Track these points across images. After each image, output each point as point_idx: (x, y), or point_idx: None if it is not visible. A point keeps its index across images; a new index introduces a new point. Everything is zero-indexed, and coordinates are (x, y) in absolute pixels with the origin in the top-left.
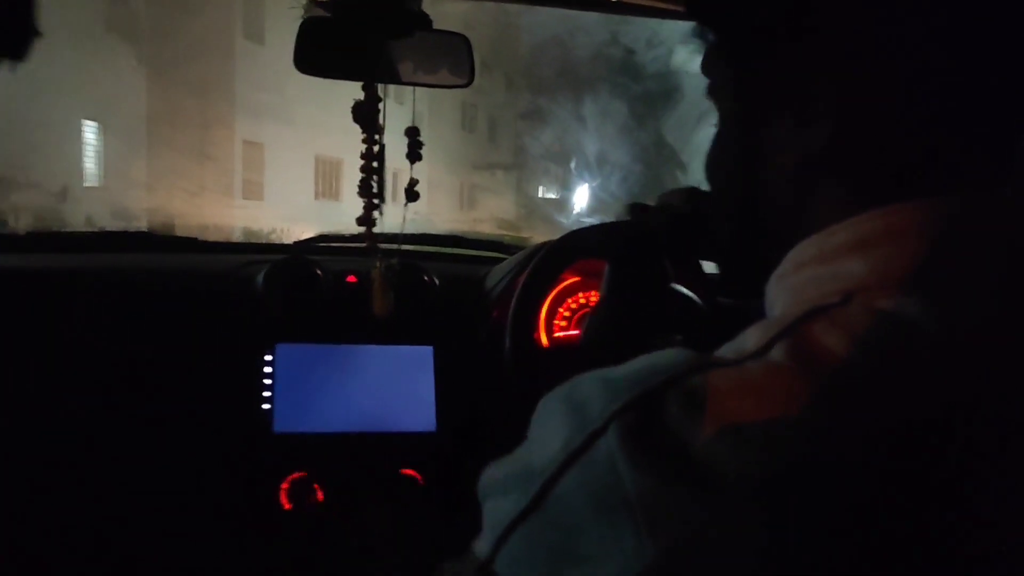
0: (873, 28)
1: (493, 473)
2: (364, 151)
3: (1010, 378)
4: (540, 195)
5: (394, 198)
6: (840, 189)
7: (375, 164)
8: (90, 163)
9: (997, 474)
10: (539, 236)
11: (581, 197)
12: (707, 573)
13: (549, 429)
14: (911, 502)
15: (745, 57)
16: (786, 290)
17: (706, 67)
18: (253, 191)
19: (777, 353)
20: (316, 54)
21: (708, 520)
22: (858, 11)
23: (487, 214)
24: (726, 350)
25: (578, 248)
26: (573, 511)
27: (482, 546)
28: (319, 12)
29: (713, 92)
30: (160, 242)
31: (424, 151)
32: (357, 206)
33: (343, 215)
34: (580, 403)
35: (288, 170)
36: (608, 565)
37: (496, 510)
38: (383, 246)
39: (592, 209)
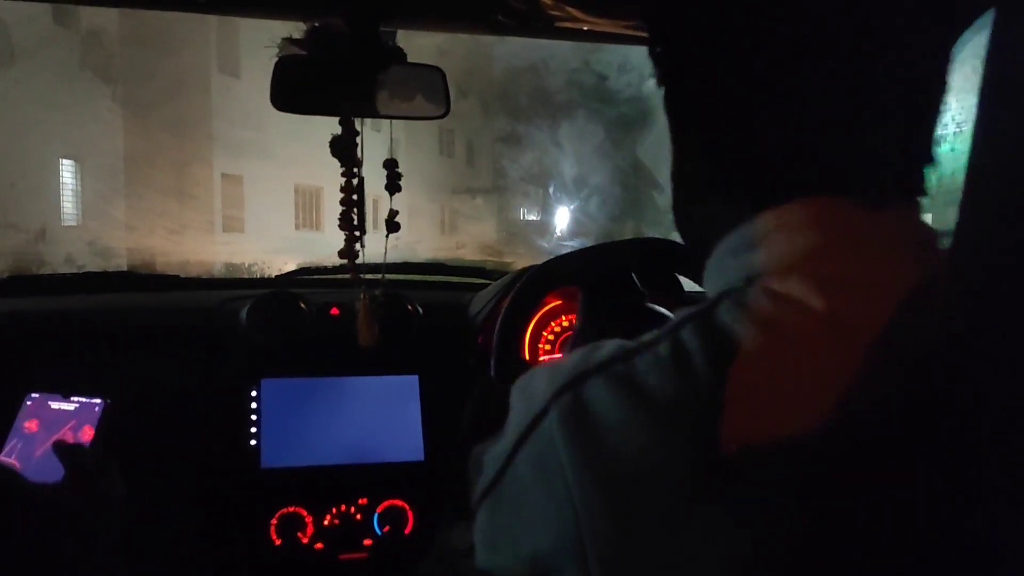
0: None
1: (477, 453)
2: (343, 184)
3: (889, 348)
4: (521, 217)
5: (375, 227)
6: (742, 201)
7: (355, 197)
8: (68, 202)
9: (879, 442)
10: (521, 260)
11: (562, 219)
12: (623, 535)
13: (511, 416)
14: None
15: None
16: (709, 282)
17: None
18: (234, 225)
19: (685, 332)
20: (293, 92)
21: (613, 487)
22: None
23: (469, 239)
24: (650, 334)
25: (555, 276)
26: (523, 484)
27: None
28: (294, 50)
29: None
30: (141, 281)
31: (403, 178)
32: (339, 236)
33: (325, 245)
34: (530, 391)
35: (268, 201)
36: (549, 529)
37: (476, 484)
38: (366, 277)
39: (573, 232)
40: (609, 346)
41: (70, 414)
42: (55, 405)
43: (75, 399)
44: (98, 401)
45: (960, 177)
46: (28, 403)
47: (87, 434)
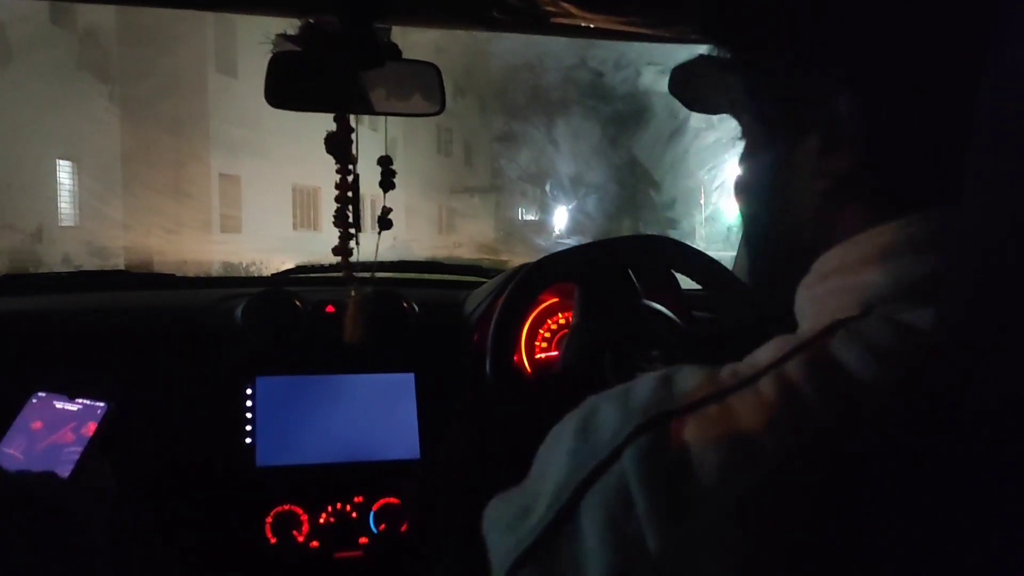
0: (890, 45)
1: (498, 508)
2: (338, 181)
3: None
4: (520, 217)
5: (372, 226)
6: (865, 203)
7: (350, 194)
8: (65, 202)
9: (1005, 493)
10: (518, 259)
11: (559, 218)
12: None
13: (557, 454)
14: (902, 515)
15: (764, 80)
16: (811, 301)
17: (724, 88)
18: (231, 225)
19: (792, 368)
20: (287, 88)
21: (701, 537)
22: (873, 30)
23: (466, 238)
24: (743, 365)
25: (551, 272)
26: (579, 546)
27: None
28: (288, 46)
29: (737, 113)
30: (137, 279)
31: (400, 177)
32: (336, 235)
33: (323, 245)
34: (593, 427)
35: (265, 201)
36: None
37: (500, 546)
38: (361, 275)
39: (571, 230)
40: (692, 378)
41: (73, 415)
42: (59, 405)
43: (79, 401)
44: (101, 404)
45: None
46: (34, 400)
47: (88, 433)
